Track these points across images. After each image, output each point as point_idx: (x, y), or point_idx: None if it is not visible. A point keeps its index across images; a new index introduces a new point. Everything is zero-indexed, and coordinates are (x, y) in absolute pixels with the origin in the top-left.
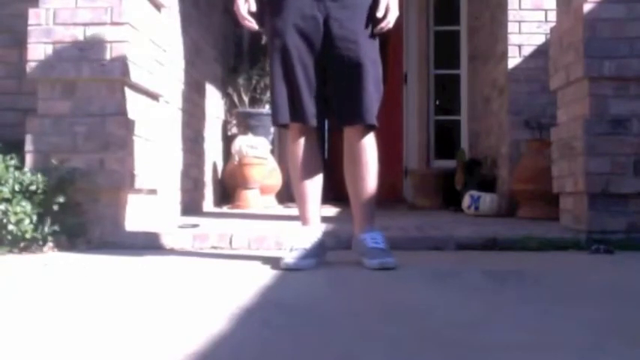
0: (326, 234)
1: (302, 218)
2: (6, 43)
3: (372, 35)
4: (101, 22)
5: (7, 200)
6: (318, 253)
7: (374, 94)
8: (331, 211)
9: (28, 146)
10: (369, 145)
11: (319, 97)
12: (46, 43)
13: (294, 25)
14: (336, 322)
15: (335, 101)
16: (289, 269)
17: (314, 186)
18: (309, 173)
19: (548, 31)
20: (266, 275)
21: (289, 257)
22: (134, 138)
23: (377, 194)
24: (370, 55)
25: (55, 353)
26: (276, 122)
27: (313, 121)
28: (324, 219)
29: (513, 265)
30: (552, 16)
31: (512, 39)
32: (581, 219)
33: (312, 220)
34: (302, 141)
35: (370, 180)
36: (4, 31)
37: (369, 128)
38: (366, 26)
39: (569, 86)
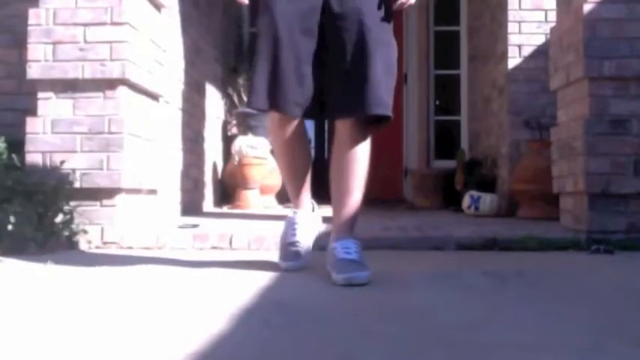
0: (326, 234)
1: (295, 206)
2: (6, 43)
3: (385, 16)
4: (101, 22)
5: (7, 200)
6: None
7: (383, 81)
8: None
9: (28, 146)
10: (363, 146)
11: (316, 89)
12: (46, 43)
13: (289, 4)
14: (336, 322)
15: (332, 90)
16: (289, 269)
17: (303, 179)
18: (295, 164)
19: (548, 31)
20: (266, 275)
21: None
22: (134, 138)
23: (361, 203)
24: (379, 36)
25: (56, 353)
26: (250, 105)
27: (294, 111)
28: (324, 219)
29: (513, 265)
30: (552, 16)
31: (512, 39)
32: (581, 219)
33: (304, 206)
34: (284, 133)
35: (356, 184)
36: (4, 31)
37: (375, 124)
38: (378, 6)
39: (569, 86)
